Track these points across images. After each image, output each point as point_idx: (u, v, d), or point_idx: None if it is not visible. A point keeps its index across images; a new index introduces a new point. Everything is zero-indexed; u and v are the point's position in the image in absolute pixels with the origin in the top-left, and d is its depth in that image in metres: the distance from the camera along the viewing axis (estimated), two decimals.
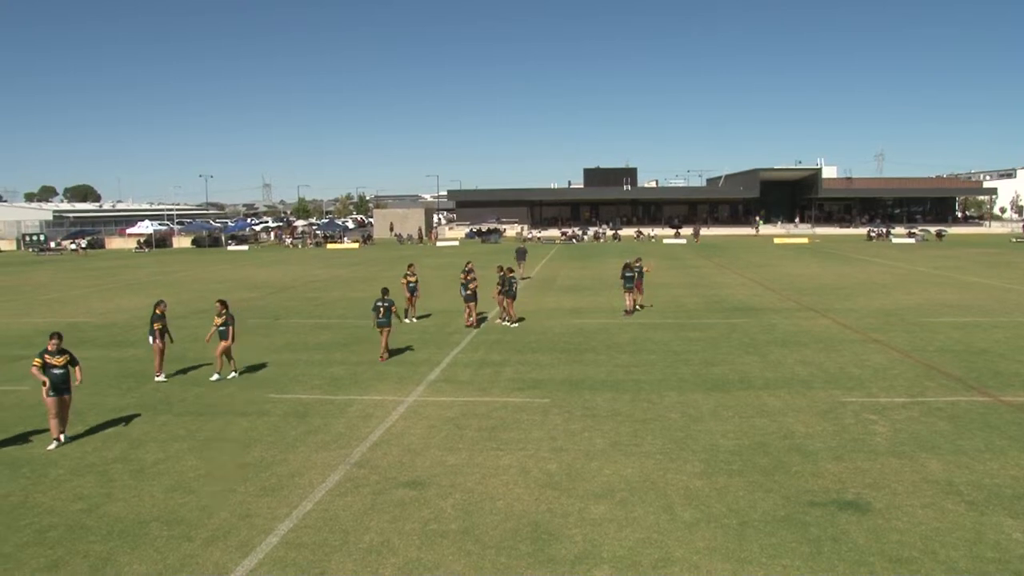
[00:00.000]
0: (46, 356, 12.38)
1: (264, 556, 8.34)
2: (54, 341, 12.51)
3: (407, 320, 24.27)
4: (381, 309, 18.79)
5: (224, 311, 16.65)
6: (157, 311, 17.31)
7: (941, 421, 12.88)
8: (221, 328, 16.58)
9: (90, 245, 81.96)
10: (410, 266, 25.49)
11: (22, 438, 12.63)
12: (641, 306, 26.44)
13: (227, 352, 16.85)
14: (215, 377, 16.74)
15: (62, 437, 12.39)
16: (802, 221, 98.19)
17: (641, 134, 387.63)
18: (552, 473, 10.75)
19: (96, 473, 11.03)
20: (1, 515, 9.60)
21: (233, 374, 16.97)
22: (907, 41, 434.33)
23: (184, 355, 19.49)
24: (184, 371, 17.74)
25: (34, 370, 12.42)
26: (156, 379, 16.86)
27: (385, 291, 19.34)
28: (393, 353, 19.08)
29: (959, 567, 7.85)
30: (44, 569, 8.13)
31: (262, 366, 18.14)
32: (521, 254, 40.99)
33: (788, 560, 8.07)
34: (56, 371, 12.35)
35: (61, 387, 12.35)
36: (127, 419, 13.81)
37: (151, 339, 17.01)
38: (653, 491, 10.05)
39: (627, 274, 25.50)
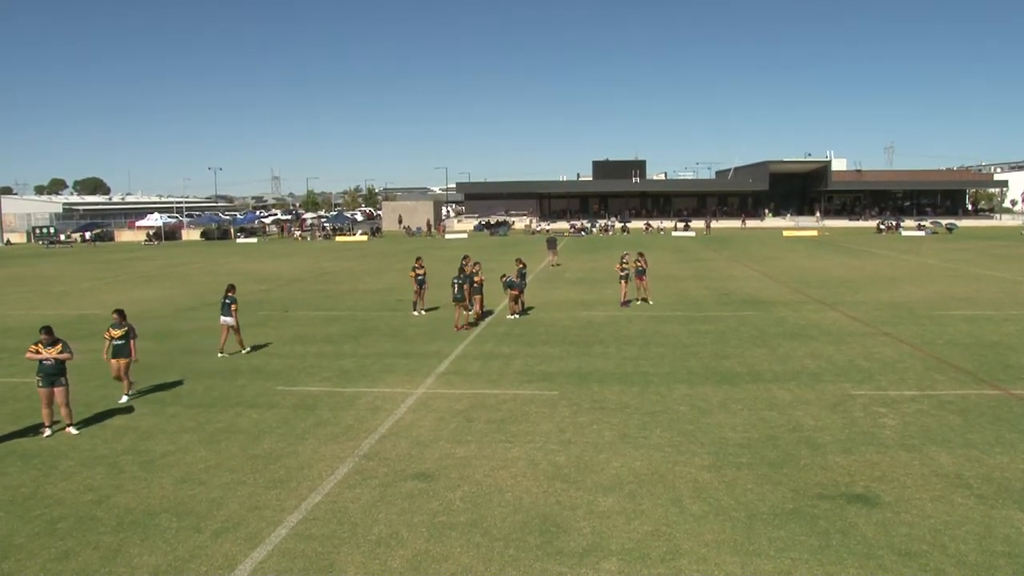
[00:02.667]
0: (39, 344, 12.48)
1: (273, 548, 8.36)
2: (44, 336, 12.54)
3: (416, 312, 24.34)
4: (456, 286, 21.31)
5: (123, 322, 14.58)
6: (230, 294, 18.67)
7: (951, 414, 12.83)
8: (118, 342, 14.42)
9: (99, 238, 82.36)
10: (418, 259, 25.50)
11: (33, 429, 12.71)
12: (644, 299, 26.33)
13: (126, 368, 14.55)
14: (124, 400, 14.48)
15: (56, 427, 12.53)
16: (812, 213, 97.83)
17: (650, 127, 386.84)
18: (561, 465, 10.76)
19: (106, 465, 11.09)
20: (13, 506, 9.66)
21: (125, 397, 14.57)
22: (917, 33, 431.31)
23: (195, 347, 19.59)
24: (192, 363, 17.79)
25: (29, 354, 12.52)
26: (218, 356, 18.35)
27: (461, 270, 21.72)
28: (403, 344, 19.12)
29: (968, 561, 7.81)
30: (55, 560, 8.18)
31: (272, 358, 18.19)
32: (552, 243, 44.87)
33: (796, 553, 8.05)
34: (47, 362, 12.41)
35: (51, 378, 12.40)
36: (137, 411, 13.88)
37: (225, 319, 18.49)
38: (662, 484, 10.04)
39: (623, 264, 26.21)
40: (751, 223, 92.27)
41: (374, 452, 11.44)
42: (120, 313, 14.84)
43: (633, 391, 14.66)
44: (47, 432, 12.44)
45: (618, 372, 16.23)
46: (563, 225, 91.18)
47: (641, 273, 26.34)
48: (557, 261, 43.55)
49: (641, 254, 27.33)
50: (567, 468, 10.65)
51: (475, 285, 23.25)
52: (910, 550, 8.06)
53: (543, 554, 8.14)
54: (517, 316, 23.36)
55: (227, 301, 18.54)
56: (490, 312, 24.11)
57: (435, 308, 25.36)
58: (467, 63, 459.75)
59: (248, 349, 18.96)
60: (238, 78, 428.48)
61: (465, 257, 25.82)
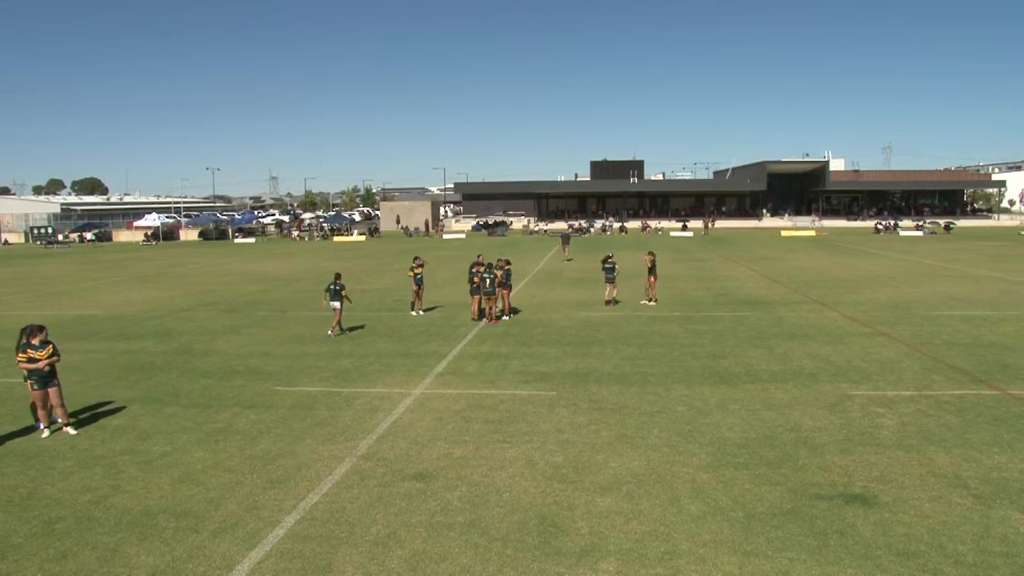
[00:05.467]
0: (29, 351, 12.38)
1: (271, 548, 8.36)
2: (38, 336, 12.44)
3: (414, 313, 24.32)
4: (488, 280, 22.58)
5: (45, 338, 12.50)
6: (338, 281, 21.11)
7: (948, 414, 12.84)
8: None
9: (98, 238, 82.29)
10: (416, 258, 25.49)
11: (31, 430, 12.68)
12: (651, 299, 26.22)
13: (57, 397, 12.50)
14: (45, 434, 12.46)
15: (53, 427, 12.54)
16: (810, 213, 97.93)
17: (648, 127, 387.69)
18: (558, 466, 10.75)
19: (104, 465, 11.08)
20: (11, 506, 9.65)
21: (46, 431, 12.53)
22: (915, 33, 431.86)
23: (191, 347, 19.58)
24: (190, 364, 17.78)
25: (22, 364, 12.42)
26: (328, 334, 20.81)
27: (490, 266, 22.68)
28: (401, 344, 19.12)
29: (966, 561, 7.82)
30: (52, 560, 8.17)
31: (270, 358, 18.18)
32: (566, 239, 48.97)
33: (794, 553, 8.05)
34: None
35: (45, 380, 12.34)
36: (135, 411, 13.86)
37: (333, 303, 20.79)
38: (659, 484, 10.04)
39: (606, 266, 26.17)
40: (749, 223, 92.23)
41: (372, 452, 11.43)
42: (36, 329, 12.72)
43: (631, 391, 14.67)
44: (44, 432, 12.43)
45: (616, 372, 16.23)
46: (561, 225, 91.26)
47: (651, 272, 26.18)
48: (569, 256, 47.22)
49: (651, 253, 27.26)
50: (565, 468, 10.65)
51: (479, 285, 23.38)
52: (908, 550, 8.07)
53: (541, 554, 8.14)
54: (509, 316, 23.39)
55: (336, 288, 20.93)
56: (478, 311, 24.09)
57: (433, 308, 25.35)
58: (466, 63, 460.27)
59: (338, 332, 20.90)
60: (236, 78, 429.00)
61: (479, 256, 25.93)
